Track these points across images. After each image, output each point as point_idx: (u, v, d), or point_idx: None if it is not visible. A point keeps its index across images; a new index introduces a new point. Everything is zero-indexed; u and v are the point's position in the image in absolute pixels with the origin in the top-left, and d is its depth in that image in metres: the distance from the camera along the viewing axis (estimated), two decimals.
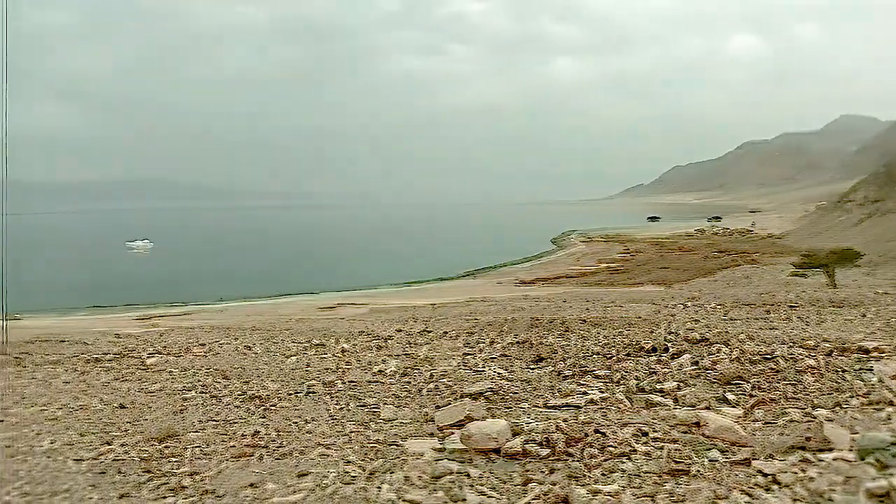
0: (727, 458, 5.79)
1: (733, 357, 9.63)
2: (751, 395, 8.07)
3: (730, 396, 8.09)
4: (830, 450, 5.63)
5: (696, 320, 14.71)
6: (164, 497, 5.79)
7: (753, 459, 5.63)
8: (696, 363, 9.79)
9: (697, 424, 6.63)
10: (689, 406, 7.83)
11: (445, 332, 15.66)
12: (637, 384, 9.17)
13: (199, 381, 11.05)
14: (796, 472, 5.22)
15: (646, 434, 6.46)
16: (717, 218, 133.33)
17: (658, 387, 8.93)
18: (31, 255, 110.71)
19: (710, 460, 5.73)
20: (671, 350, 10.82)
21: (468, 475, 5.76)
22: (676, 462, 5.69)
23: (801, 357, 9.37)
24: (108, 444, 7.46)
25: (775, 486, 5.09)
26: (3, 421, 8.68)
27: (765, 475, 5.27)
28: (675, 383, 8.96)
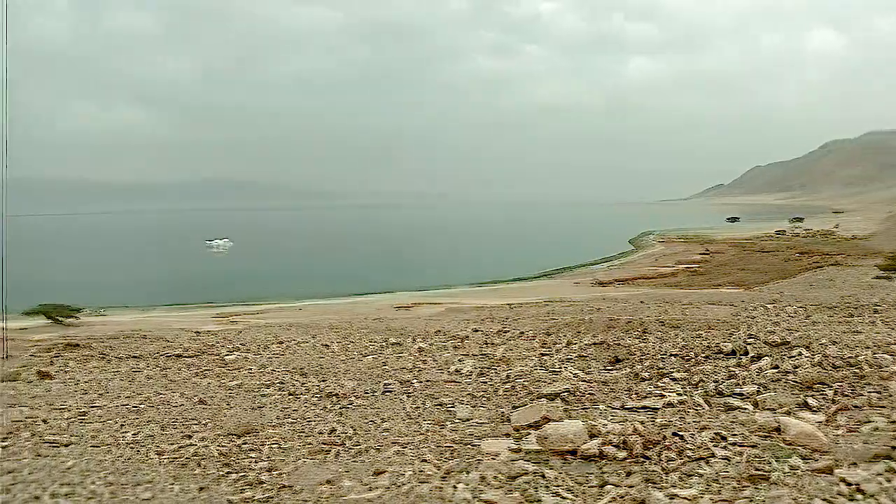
0: (808, 465, 5.68)
1: (815, 361, 9.43)
2: (833, 401, 7.90)
3: (811, 402, 7.92)
4: None
5: (776, 323, 14.43)
6: (243, 491, 5.90)
7: (836, 467, 5.52)
8: (777, 367, 9.62)
9: (778, 430, 6.52)
10: (769, 411, 7.69)
11: (522, 333, 15.62)
12: (716, 387, 9.06)
13: (277, 378, 11.21)
14: (881, 482, 5.11)
15: (724, 438, 6.38)
16: (799, 219, 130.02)
17: (737, 390, 8.81)
18: (114, 253, 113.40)
19: (790, 467, 5.64)
20: (751, 353, 10.65)
21: (544, 476, 5.75)
22: (756, 468, 5.62)
23: (886, 363, 9.14)
24: (189, 437, 7.62)
25: (859, 496, 4.99)
26: (87, 413, 8.93)
27: (848, 484, 5.17)
28: (754, 387, 8.82)
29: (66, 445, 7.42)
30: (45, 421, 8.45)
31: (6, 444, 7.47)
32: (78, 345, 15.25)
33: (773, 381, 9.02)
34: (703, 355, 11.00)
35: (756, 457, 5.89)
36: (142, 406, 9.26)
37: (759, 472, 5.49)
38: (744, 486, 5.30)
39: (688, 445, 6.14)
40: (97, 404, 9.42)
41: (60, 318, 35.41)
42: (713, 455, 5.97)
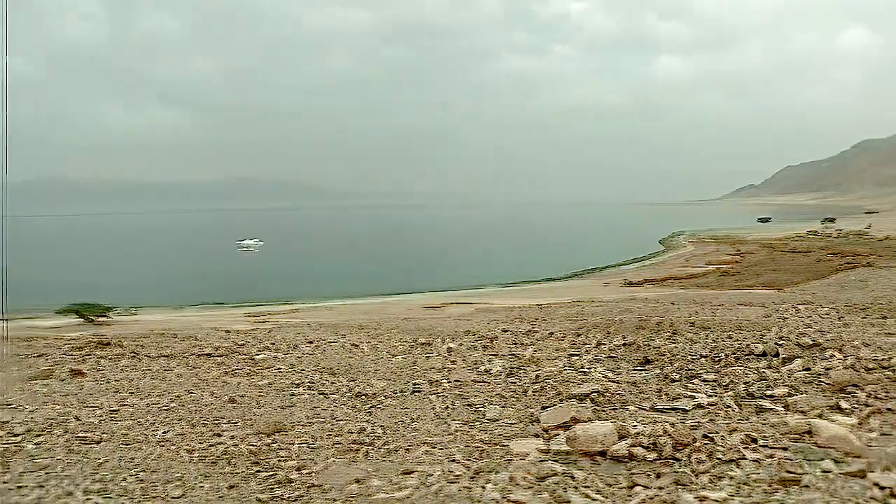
0: (841, 468, 5.63)
1: (847, 364, 9.35)
2: (866, 404, 7.82)
3: (843, 404, 7.85)
4: None
5: (808, 325, 14.32)
6: (272, 489, 5.94)
7: (869, 471, 5.47)
8: (809, 369, 9.54)
9: (809, 432, 6.47)
10: (800, 413, 7.63)
11: (551, 333, 15.59)
12: (746, 389, 9.00)
13: (306, 377, 11.25)
14: None
15: (755, 441, 6.34)
16: (831, 219, 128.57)
17: (768, 392, 8.75)
18: (144, 252, 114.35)
19: (822, 470, 5.59)
20: (782, 355, 10.57)
21: (573, 477, 5.75)
22: (787, 471, 5.58)
23: None
24: (219, 436, 7.68)
25: (893, 501, 4.95)
26: (118, 411, 9.01)
27: (881, 488, 5.12)
28: (785, 389, 8.76)
29: (98, 442, 7.50)
30: (77, 418, 8.54)
31: (40, 440, 7.57)
32: (109, 343, 15.36)
33: (804, 384, 8.95)
34: (733, 357, 10.93)
35: (787, 460, 5.85)
36: (172, 404, 9.33)
37: (791, 476, 5.45)
38: (775, 490, 5.26)
39: (718, 447, 6.10)
40: (128, 402, 9.50)
41: (92, 317, 35.79)
42: (744, 457, 5.93)
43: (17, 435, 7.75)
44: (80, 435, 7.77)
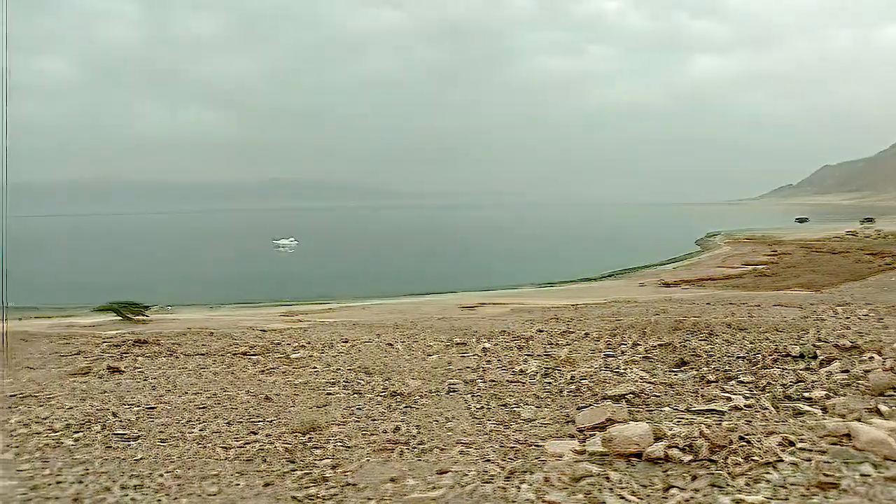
0: (880, 473, 5.56)
1: (887, 366, 9.24)
2: None
3: (883, 408, 7.75)
4: None
5: (846, 326, 14.17)
6: (307, 487, 5.98)
7: None
8: (847, 371, 9.45)
9: (848, 436, 6.39)
10: (838, 416, 7.55)
11: (587, 333, 15.52)
12: (784, 391, 8.93)
13: (342, 376, 11.29)
14: None
15: (792, 444, 6.28)
16: (870, 219, 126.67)
17: (806, 395, 8.68)
18: (182, 251, 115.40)
19: (861, 475, 5.53)
20: (820, 357, 10.48)
21: (608, 478, 5.73)
22: (825, 475, 5.52)
23: None
24: (254, 434, 7.75)
25: None
26: (155, 408, 9.10)
27: None
28: (823, 392, 8.68)
29: (136, 439, 7.60)
30: (115, 415, 8.65)
31: (78, 436, 7.69)
32: (146, 341, 15.53)
33: (843, 386, 8.87)
34: (770, 358, 10.85)
35: (825, 463, 5.79)
36: (208, 402, 9.42)
37: (829, 480, 5.40)
38: (813, 493, 5.21)
39: (755, 450, 6.05)
40: (165, 400, 9.60)
41: (130, 315, 36.17)
42: (781, 460, 5.88)
43: (57, 431, 7.89)
44: (118, 431, 7.88)
